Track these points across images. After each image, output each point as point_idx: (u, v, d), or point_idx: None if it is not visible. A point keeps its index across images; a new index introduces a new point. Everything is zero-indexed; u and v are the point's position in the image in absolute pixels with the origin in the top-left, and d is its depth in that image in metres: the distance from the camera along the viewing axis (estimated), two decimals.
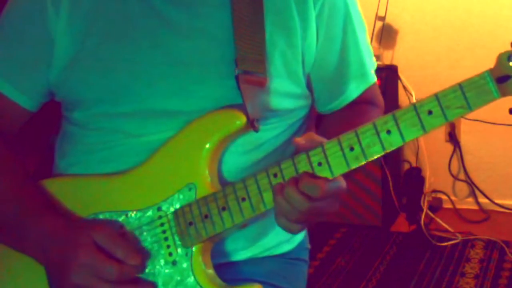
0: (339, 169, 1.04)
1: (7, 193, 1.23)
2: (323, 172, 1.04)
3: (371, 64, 1.33)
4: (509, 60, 0.95)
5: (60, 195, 1.23)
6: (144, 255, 1.15)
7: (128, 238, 1.16)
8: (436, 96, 0.99)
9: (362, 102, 1.31)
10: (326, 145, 1.04)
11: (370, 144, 1.02)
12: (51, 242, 1.16)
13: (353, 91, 1.29)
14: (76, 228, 1.16)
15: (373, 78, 1.33)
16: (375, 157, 1.02)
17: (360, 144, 1.02)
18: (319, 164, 1.04)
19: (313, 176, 1.05)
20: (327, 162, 1.04)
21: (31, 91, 1.27)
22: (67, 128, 1.30)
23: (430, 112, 0.99)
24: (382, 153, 1.02)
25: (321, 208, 1.05)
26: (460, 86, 0.98)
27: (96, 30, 1.20)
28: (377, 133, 1.01)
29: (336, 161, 1.04)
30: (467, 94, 0.97)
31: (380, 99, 1.36)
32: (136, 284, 1.14)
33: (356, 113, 1.27)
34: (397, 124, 1.01)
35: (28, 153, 1.33)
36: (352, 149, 1.03)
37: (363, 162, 1.03)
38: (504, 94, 0.96)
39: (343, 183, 1.07)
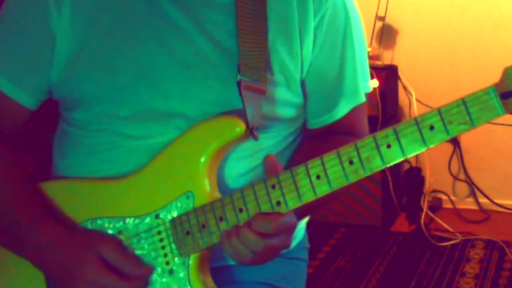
0: (338, 182, 1.03)
1: (5, 200, 1.22)
2: (322, 186, 1.03)
3: (365, 84, 1.31)
4: None
5: (58, 199, 1.22)
6: (147, 269, 1.15)
7: (126, 246, 1.16)
8: (439, 111, 0.96)
9: (343, 132, 1.29)
10: (325, 157, 1.03)
11: (369, 158, 1.00)
12: (52, 254, 1.16)
13: (342, 108, 1.28)
14: (80, 242, 1.15)
15: (363, 98, 1.30)
16: (375, 171, 1.01)
17: (360, 158, 1.01)
18: (318, 177, 1.03)
19: (265, 214, 1.06)
20: (326, 175, 1.03)
21: (32, 89, 1.25)
22: (66, 129, 1.29)
23: (432, 127, 0.97)
24: (382, 167, 1.00)
25: (275, 245, 1.07)
26: (463, 101, 0.95)
27: (99, 27, 1.19)
28: (377, 147, 1.00)
29: (335, 174, 1.02)
30: (471, 110, 0.95)
31: (363, 125, 1.34)
32: None
33: (327, 143, 1.22)
34: (397, 139, 0.99)
35: (25, 152, 1.32)
36: (351, 162, 1.01)
37: (363, 176, 1.01)
38: (508, 110, 0.94)
39: (294, 218, 1.09)
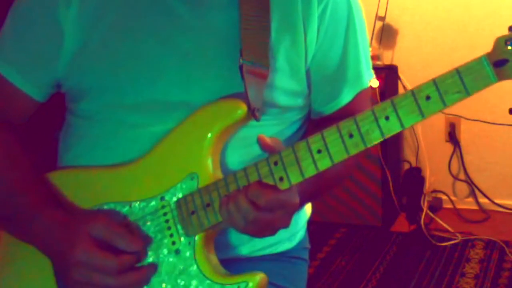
0: (339, 156, 1.04)
1: (12, 186, 1.24)
2: (323, 160, 1.05)
3: (367, 72, 1.33)
4: (506, 44, 0.95)
5: (64, 187, 1.24)
6: (145, 240, 1.16)
7: (132, 228, 1.17)
8: (434, 82, 0.99)
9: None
10: (325, 132, 1.05)
11: (369, 131, 1.02)
12: (52, 237, 1.17)
13: (346, 95, 1.30)
14: (73, 223, 1.16)
15: (366, 83, 1.33)
16: (374, 143, 1.03)
17: (359, 131, 1.03)
18: (319, 151, 1.05)
19: (262, 185, 1.07)
20: (327, 149, 1.04)
21: (40, 81, 1.28)
22: (71, 120, 1.31)
23: (428, 98, 0.99)
24: (381, 139, 1.02)
25: (267, 220, 1.07)
26: (457, 71, 0.98)
27: (104, 23, 1.22)
28: (376, 120, 1.02)
29: (335, 148, 1.04)
30: (465, 79, 0.97)
31: None
32: (137, 270, 1.14)
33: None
34: (395, 110, 1.01)
35: (32, 150, 1.33)
36: (351, 136, 1.03)
37: (363, 148, 1.03)
38: (501, 78, 0.96)
39: (294, 198, 1.09)
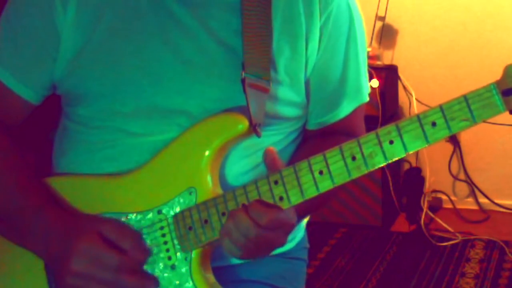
0: (341, 178, 1.03)
1: (8, 187, 1.23)
2: (325, 182, 1.04)
3: (366, 85, 1.32)
4: None
5: (61, 194, 1.23)
6: (146, 250, 1.16)
7: (127, 225, 1.17)
8: (441, 108, 0.97)
9: (343, 133, 1.30)
10: (328, 153, 1.04)
11: (372, 154, 1.01)
12: (52, 232, 1.17)
13: (346, 107, 1.29)
14: (82, 218, 1.17)
15: (366, 97, 1.32)
16: (377, 167, 1.01)
17: (362, 154, 1.01)
18: (320, 172, 1.04)
19: (264, 204, 1.06)
20: (329, 171, 1.03)
21: (36, 84, 1.27)
22: (67, 125, 1.30)
23: (434, 124, 0.98)
24: (385, 163, 1.01)
25: (266, 238, 1.06)
26: (465, 98, 0.96)
27: (104, 25, 1.20)
28: (380, 143, 1.00)
29: (337, 170, 1.03)
30: (472, 107, 0.96)
31: (362, 126, 1.35)
32: (137, 275, 1.14)
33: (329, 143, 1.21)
34: (400, 135, 1.00)
35: (27, 149, 1.33)
36: (354, 158, 1.02)
37: (365, 172, 1.02)
38: (509, 107, 0.95)
39: (293, 218, 1.09)
